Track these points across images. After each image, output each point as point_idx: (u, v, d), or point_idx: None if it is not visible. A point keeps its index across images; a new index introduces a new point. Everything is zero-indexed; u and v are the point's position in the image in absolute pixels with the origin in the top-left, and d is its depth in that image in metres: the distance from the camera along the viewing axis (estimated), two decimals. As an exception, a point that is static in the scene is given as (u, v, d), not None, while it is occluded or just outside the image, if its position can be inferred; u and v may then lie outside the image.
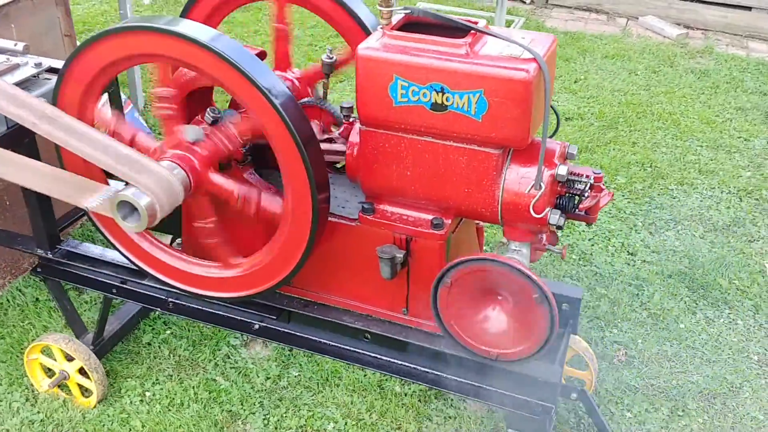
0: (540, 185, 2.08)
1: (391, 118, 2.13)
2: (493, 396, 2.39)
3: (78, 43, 2.49)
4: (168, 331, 3.17)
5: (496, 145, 2.09)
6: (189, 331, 3.18)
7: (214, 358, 3.07)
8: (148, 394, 2.91)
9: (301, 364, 3.05)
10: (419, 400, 2.91)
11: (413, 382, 2.61)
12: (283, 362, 3.06)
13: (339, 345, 2.53)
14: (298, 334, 2.58)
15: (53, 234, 2.76)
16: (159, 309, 2.72)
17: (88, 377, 2.84)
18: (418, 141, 2.16)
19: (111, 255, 2.79)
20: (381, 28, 2.17)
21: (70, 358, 2.83)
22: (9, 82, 2.26)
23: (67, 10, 3.38)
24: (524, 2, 6.84)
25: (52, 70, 2.65)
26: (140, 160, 2.15)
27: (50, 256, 2.76)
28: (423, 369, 2.45)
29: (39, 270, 2.83)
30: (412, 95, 2.08)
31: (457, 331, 2.20)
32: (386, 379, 2.98)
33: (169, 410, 2.86)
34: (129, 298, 2.77)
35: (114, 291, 2.76)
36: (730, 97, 5.26)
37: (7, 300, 3.31)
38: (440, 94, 2.05)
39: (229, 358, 3.08)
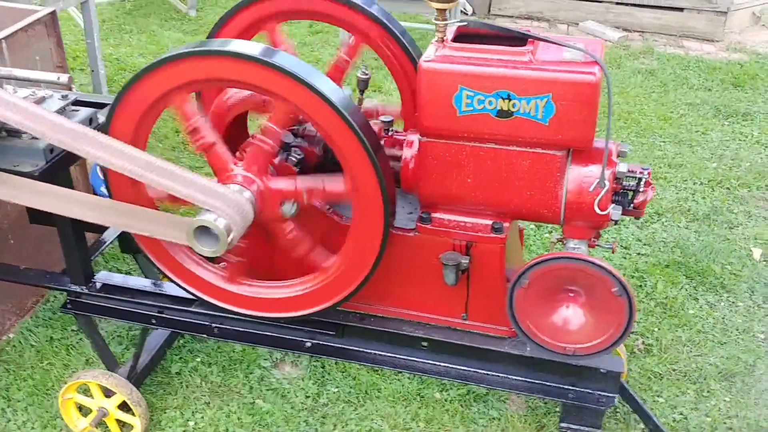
0: (604, 183, 2.17)
1: (454, 128, 2.19)
2: (553, 391, 2.47)
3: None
4: (197, 359, 3.12)
5: (560, 147, 2.17)
6: (217, 357, 3.14)
7: (249, 382, 3.04)
8: (191, 423, 2.87)
9: (336, 380, 3.06)
10: (461, 405, 2.96)
11: (466, 384, 2.66)
12: (317, 380, 3.06)
13: (396, 355, 2.56)
14: (352, 348, 2.60)
15: (88, 268, 2.70)
16: (204, 335, 2.68)
17: (128, 412, 2.77)
18: (480, 148, 2.22)
19: (144, 284, 2.75)
20: (437, 41, 2.22)
21: (108, 395, 2.76)
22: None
23: (58, 41, 3.31)
24: (466, 14, 7.00)
25: (77, 103, 2.61)
26: (211, 186, 2.16)
27: (86, 290, 2.69)
28: (483, 372, 2.51)
29: (69, 306, 2.75)
30: (477, 104, 2.14)
31: (533, 330, 2.26)
32: (425, 388, 3.02)
33: (215, 438, 2.82)
34: (169, 326, 2.72)
35: (153, 321, 2.71)
36: (680, 94, 5.53)
37: (20, 342, 3.20)
38: (506, 101, 2.12)
39: (263, 380, 3.06)
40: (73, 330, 3.26)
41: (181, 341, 3.19)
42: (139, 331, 3.23)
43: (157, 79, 2.17)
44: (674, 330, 3.34)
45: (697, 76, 5.81)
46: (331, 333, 2.57)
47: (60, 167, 2.47)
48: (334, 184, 2.27)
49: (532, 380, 2.47)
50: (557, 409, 2.94)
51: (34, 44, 3.19)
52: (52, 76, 2.27)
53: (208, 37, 2.73)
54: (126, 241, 2.97)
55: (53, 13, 3.26)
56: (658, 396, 3.03)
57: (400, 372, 2.82)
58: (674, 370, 3.16)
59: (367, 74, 2.60)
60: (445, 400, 2.97)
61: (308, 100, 2.10)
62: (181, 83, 2.17)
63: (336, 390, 3.02)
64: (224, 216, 2.12)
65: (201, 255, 2.25)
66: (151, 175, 2.15)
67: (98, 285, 2.72)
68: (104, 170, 2.34)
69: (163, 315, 2.69)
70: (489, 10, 6.98)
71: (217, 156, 2.27)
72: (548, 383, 2.47)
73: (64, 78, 2.24)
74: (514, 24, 6.87)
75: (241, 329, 2.65)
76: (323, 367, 3.11)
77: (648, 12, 6.67)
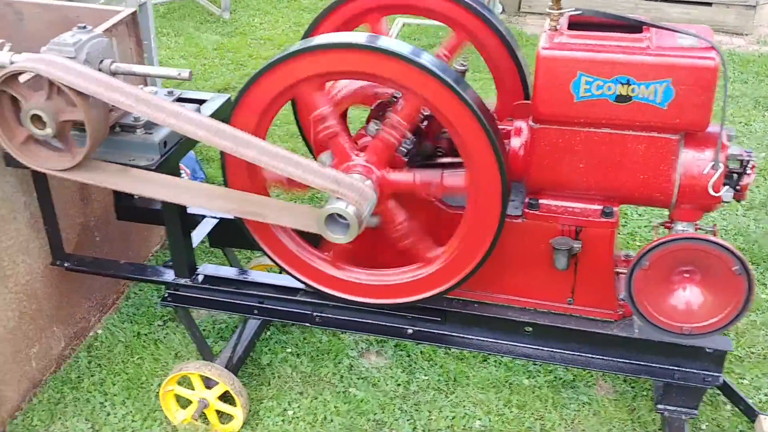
0: (719, 165, 2.23)
1: (571, 114, 2.24)
2: (658, 371, 2.52)
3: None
4: (287, 350, 3.16)
5: (676, 131, 2.22)
6: (305, 347, 3.18)
7: (338, 371, 3.08)
8: (289, 412, 2.91)
9: (424, 368, 3.10)
10: (550, 391, 3.00)
11: (546, 363, 2.70)
12: (405, 368, 3.10)
13: (499, 341, 2.61)
14: (454, 334, 2.65)
15: (192, 261, 2.74)
16: (306, 324, 2.73)
17: (229, 403, 2.81)
18: (594, 133, 2.27)
19: (245, 275, 2.79)
20: (551, 29, 2.28)
21: (209, 386, 2.80)
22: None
23: (138, 41, 3.35)
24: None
25: (181, 100, 2.65)
26: (341, 176, 2.21)
27: (190, 283, 2.74)
28: (588, 355, 2.56)
29: (170, 299, 2.80)
30: (595, 89, 2.20)
31: (650, 311, 2.31)
32: (512, 375, 3.06)
33: (314, 426, 2.86)
34: (271, 316, 2.77)
35: (255, 312, 2.75)
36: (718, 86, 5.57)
37: (107, 337, 3.24)
38: (625, 86, 2.17)
39: (352, 369, 3.10)
40: (158, 325, 3.29)
41: (268, 333, 3.23)
42: (224, 324, 3.29)
43: (289, 70, 2.22)
44: (748, 315, 3.39)
45: (731, 69, 5.87)
46: (436, 319, 2.61)
47: (172, 160, 2.51)
48: (453, 178, 2.32)
49: (638, 362, 2.52)
50: (645, 393, 2.99)
51: (117, 45, 3.23)
52: (172, 72, 2.31)
53: (307, 31, 2.78)
54: (216, 235, 3.03)
55: (134, 13, 3.29)
56: (741, 378, 3.08)
57: (503, 356, 2.86)
58: (753, 353, 3.21)
59: (464, 66, 2.65)
60: (535, 386, 3.02)
61: (440, 94, 2.15)
62: (312, 74, 2.22)
63: (425, 378, 3.06)
64: (355, 203, 2.16)
65: (324, 244, 2.30)
66: (280, 164, 2.19)
67: (201, 277, 2.76)
68: (222, 162, 2.38)
69: (265, 305, 2.73)
70: (519, 8, 7.03)
71: (340, 146, 2.32)
72: (654, 364, 2.52)
73: (185, 74, 2.28)
74: (543, 20, 6.92)
75: (342, 317, 2.70)
76: (409, 356, 3.16)
77: (677, 7, 6.74)
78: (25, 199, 2.78)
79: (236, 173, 2.40)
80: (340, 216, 2.20)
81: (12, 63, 2.39)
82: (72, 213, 3.02)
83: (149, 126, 2.49)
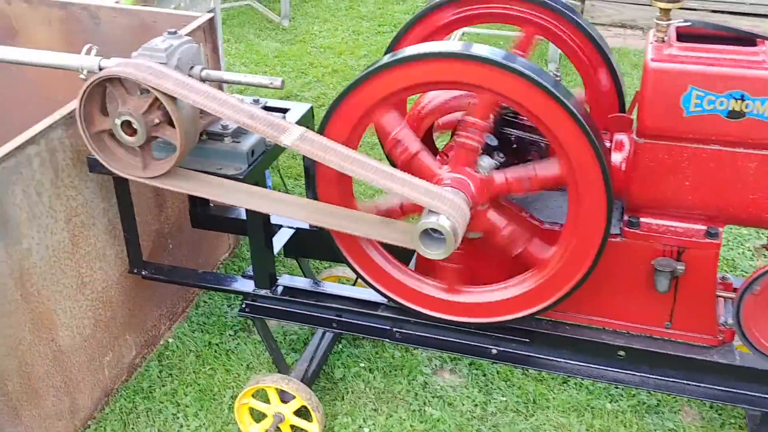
0: (836, 185, 2.11)
1: (679, 129, 2.14)
2: (757, 401, 2.40)
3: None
4: (360, 365, 3.09)
5: (792, 149, 2.12)
6: (377, 362, 3.11)
7: (413, 388, 3.00)
8: (365, 430, 2.83)
9: (501, 389, 3.01)
10: (634, 416, 2.89)
11: (638, 389, 2.60)
12: (481, 388, 3.01)
13: (588, 364, 2.51)
14: (541, 356, 2.55)
15: (272, 272, 2.68)
16: (386, 340, 2.65)
17: (305, 418, 2.75)
18: (703, 150, 2.16)
19: (325, 287, 2.73)
20: (658, 41, 2.19)
21: (285, 400, 2.74)
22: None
23: (214, 47, 3.32)
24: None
25: (267, 108, 2.60)
26: (434, 188, 2.13)
27: (270, 294, 2.68)
28: (683, 382, 2.44)
29: (247, 310, 2.74)
30: (707, 104, 2.09)
31: (758, 338, 2.20)
32: (594, 398, 2.96)
33: (391, 445, 2.79)
34: (350, 330, 2.70)
35: (334, 325, 2.69)
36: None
37: (178, 346, 3.19)
38: (739, 102, 2.06)
39: (426, 386, 3.01)
40: (230, 335, 3.24)
41: (339, 345, 3.17)
42: (295, 335, 3.23)
43: (382, 82, 2.16)
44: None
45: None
46: (523, 340, 2.52)
47: (259, 170, 2.45)
48: (546, 168, 2.23)
49: (737, 390, 2.40)
50: (733, 421, 2.87)
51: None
52: (264, 80, 2.25)
53: (392, 44, 2.71)
54: (291, 245, 2.97)
55: (211, 19, 3.26)
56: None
57: (593, 381, 2.77)
58: None
59: (558, 76, 2.56)
60: (618, 411, 2.91)
61: (542, 103, 2.07)
62: (404, 87, 2.16)
63: (503, 399, 2.96)
64: (450, 218, 2.09)
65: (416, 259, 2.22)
66: (374, 176, 2.12)
67: (280, 289, 2.70)
68: (312, 174, 2.32)
69: (344, 319, 2.67)
70: (581, 19, 6.91)
71: (422, 164, 2.25)
72: (754, 393, 2.40)
73: (277, 82, 2.22)
74: (607, 32, 6.80)
75: (424, 334, 2.62)
76: (484, 375, 3.07)
77: (745, 20, 6.57)
78: (104, 205, 2.75)
79: (326, 185, 2.33)
80: (434, 231, 2.12)
81: (101, 68, 2.36)
82: (148, 220, 2.99)
83: (237, 134, 2.44)
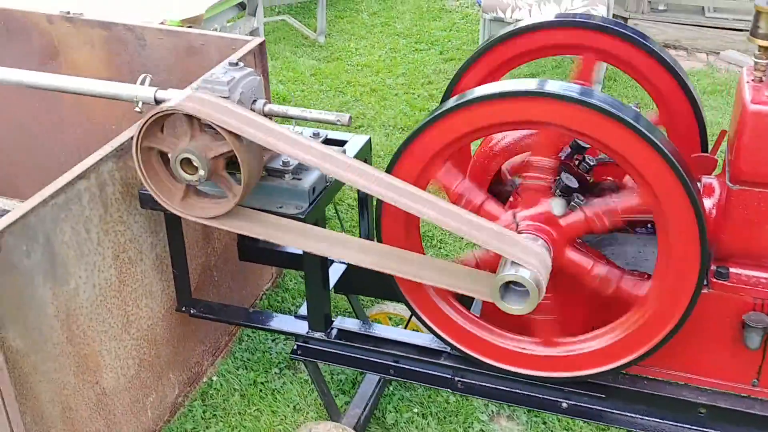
0: None
1: (781, 176, 1.99)
2: None
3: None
4: (413, 410, 2.93)
5: None
6: (431, 407, 2.95)
7: (469, 437, 2.86)
8: (421, 481, 2.69)
9: (562, 438, 2.85)
10: (706, 471, 2.72)
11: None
12: (541, 437, 2.86)
13: (666, 421, 2.35)
14: (615, 411, 2.39)
15: (328, 314, 2.54)
16: (447, 389, 2.50)
17: (358, 468, 2.60)
18: (805, 199, 2.01)
19: (382, 331, 2.58)
20: (756, 80, 2.04)
21: (336, 449, 2.59)
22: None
23: (264, 72, 3.18)
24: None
25: (327, 141, 2.47)
26: (511, 235, 1.99)
27: (325, 337, 2.53)
28: (770, 442, 2.28)
29: (299, 353, 2.60)
30: (812, 151, 1.94)
31: None
32: (662, 450, 2.79)
33: (449, 499, 2.63)
34: (408, 378, 2.54)
35: (391, 371, 2.54)
36: None
37: (221, 384, 3.05)
38: None
39: (484, 434, 2.87)
40: (275, 373, 3.10)
41: (390, 388, 3.02)
42: (344, 375, 3.09)
43: (459, 120, 2.02)
44: None
45: None
46: (599, 396, 2.36)
47: (319, 208, 2.32)
48: (627, 199, 2.07)
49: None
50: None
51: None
52: (330, 117, 2.11)
53: (453, 81, 2.57)
54: (342, 282, 2.83)
55: (262, 43, 3.14)
56: None
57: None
58: None
59: (638, 107, 2.41)
60: (689, 465, 2.74)
61: (628, 142, 1.93)
62: (481, 126, 2.02)
63: (565, 449, 2.81)
64: (532, 268, 1.94)
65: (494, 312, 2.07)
66: (446, 220, 1.98)
67: (335, 332, 2.56)
68: (378, 215, 2.18)
69: (402, 365, 2.52)
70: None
71: (490, 214, 2.11)
72: None
73: (344, 119, 2.08)
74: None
75: (488, 385, 2.46)
76: (544, 423, 2.91)
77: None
78: (152, 239, 2.62)
79: (392, 228, 2.19)
80: (515, 283, 1.97)
81: (156, 99, 2.23)
82: (195, 253, 2.85)
83: (297, 171, 2.30)
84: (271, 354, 3.19)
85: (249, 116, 2.02)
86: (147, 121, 2.07)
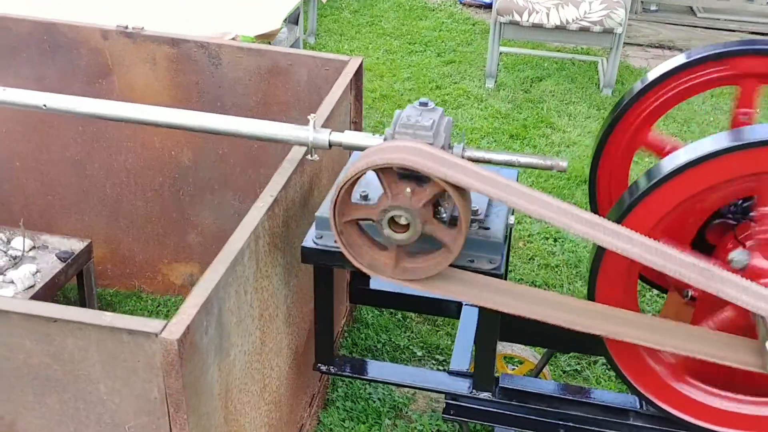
0: None
1: None
2: None
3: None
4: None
5: None
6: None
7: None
8: None
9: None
10: None
11: None
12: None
13: None
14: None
15: (493, 372, 2.30)
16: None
17: None
18: None
19: (549, 387, 2.37)
20: None
21: None
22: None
23: (358, 94, 2.89)
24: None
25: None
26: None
27: (492, 398, 2.30)
28: None
29: (453, 413, 2.36)
30: None
31: None
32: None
33: None
34: (580, 438, 2.34)
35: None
36: None
37: (328, 438, 2.79)
38: None
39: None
40: (387, 425, 2.85)
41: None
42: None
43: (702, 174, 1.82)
44: None
45: None
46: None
47: (507, 259, 2.09)
48: None
49: None
50: None
51: (343, 100, 2.77)
52: (546, 161, 1.87)
53: (617, 108, 2.37)
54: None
55: (361, 63, 2.85)
56: None
57: None
58: None
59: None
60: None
61: None
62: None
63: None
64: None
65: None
66: (690, 274, 1.78)
67: (498, 390, 2.33)
68: (593, 267, 1.96)
69: (576, 425, 2.31)
70: (616, 39, 6.70)
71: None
72: None
73: (563, 164, 1.85)
74: (645, 52, 6.62)
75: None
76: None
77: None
78: (285, 291, 2.33)
79: (610, 283, 1.98)
80: (773, 347, 1.79)
81: (330, 143, 1.95)
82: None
83: (483, 220, 2.06)
84: (374, 401, 2.93)
85: (476, 170, 1.75)
86: (355, 176, 1.78)
